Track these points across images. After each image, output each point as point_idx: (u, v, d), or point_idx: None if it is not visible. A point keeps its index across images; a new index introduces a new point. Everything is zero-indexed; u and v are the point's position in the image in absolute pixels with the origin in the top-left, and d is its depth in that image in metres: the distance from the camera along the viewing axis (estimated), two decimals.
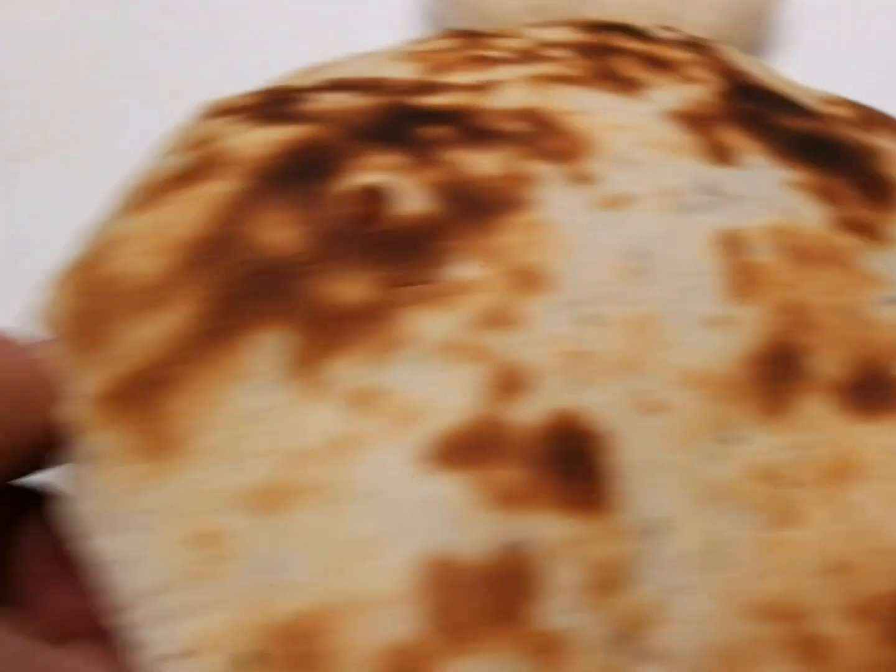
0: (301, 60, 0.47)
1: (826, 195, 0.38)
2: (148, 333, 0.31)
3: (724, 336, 0.34)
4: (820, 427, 0.33)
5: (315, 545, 0.28)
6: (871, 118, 0.48)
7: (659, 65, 0.41)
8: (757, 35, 0.67)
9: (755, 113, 0.40)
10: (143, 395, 0.30)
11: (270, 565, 0.28)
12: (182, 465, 0.30)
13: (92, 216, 0.40)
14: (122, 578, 0.29)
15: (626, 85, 0.39)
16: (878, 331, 0.35)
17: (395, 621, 0.27)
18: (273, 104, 0.37)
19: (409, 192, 0.33)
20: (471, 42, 0.42)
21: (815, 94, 0.49)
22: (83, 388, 0.31)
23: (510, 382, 0.31)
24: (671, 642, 0.29)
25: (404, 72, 0.40)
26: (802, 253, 0.36)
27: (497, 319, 0.32)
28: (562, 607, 0.28)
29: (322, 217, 0.32)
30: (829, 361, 0.34)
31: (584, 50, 0.41)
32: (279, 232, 0.32)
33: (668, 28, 0.46)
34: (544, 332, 0.32)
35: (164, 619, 0.29)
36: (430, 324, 0.31)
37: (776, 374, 0.34)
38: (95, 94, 0.64)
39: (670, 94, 0.39)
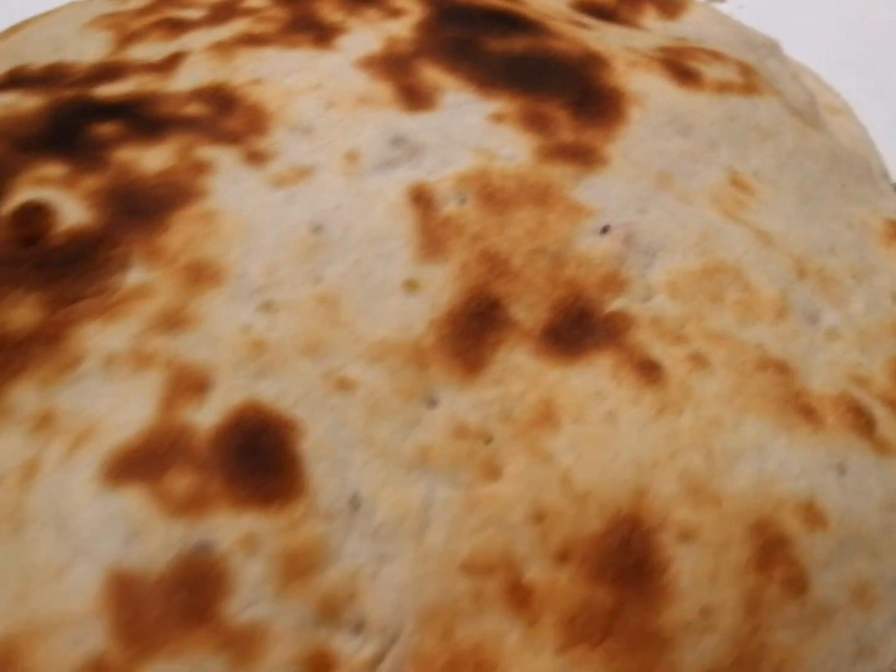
0: None
1: (533, 123, 0.42)
2: None
3: (417, 300, 0.38)
4: (520, 377, 0.38)
5: (4, 574, 0.34)
6: None
7: (362, 0, 0.45)
8: None
9: (460, 41, 0.43)
10: None
11: None
12: None
13: None
14: None
15: (319, 35, 0.43)
16: (586, 267, 0.40)
17: (86, 638, 0.33)
18: None
19: (72, 204, 0.37)
20: None
21: None
22: None
23: (188, 385, 0.35)
24: (375, 611, 0.35)
25: (91, 46, 0.44)
26: (497, 197, 0.40)
27: (170, 322, 0.36)
28: (252, 601, 0.34)
29: None
30: (528, 308, 0.39)
31: None
32: None
33: None
34: (219, 328, 0.36)
35: None
36: (102, 337, 0.36)
37: (473, 329, 0.38)
38: None
39: (366, 38, 0.43)
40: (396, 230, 0.39)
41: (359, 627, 0.34)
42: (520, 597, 0.35)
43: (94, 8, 0.46)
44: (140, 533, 0.33)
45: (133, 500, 0.34)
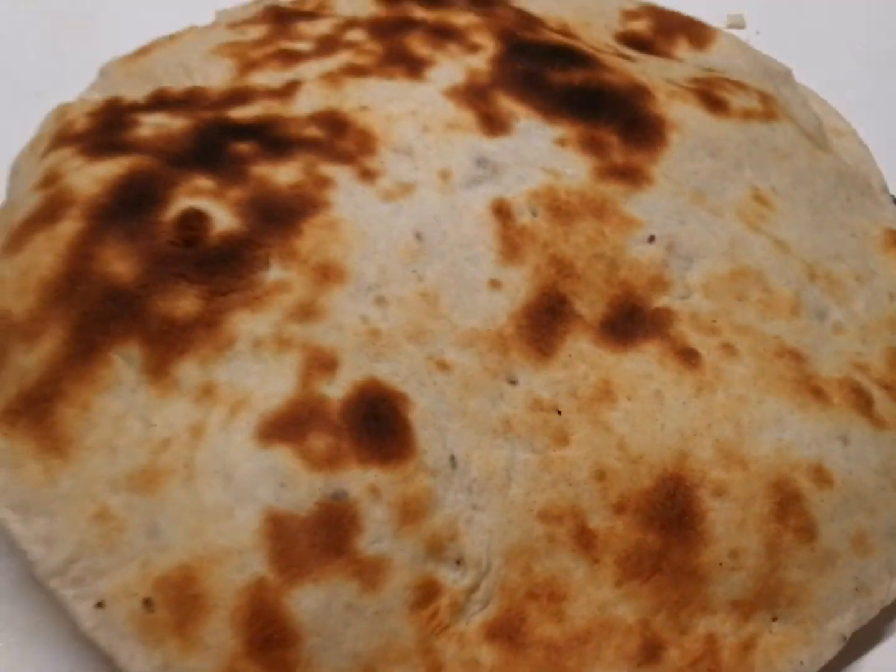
0: None
1: (590, 147, 0.53)
2: (30, 360, 0.46)
3: (499, 296, 0.49)
4: (584, 361, 0.49)
5: (181, 514, 0.44)
6: (670, 27, 0.62)
7: (445, 35, 0.55)
8: None
9: (528, 74, 0.54)
10: (36, 409, 0.45)
11: (150, 532, 0.44)
12: (75, 460, 0.45)
13: None
14: (41, 555, 0.45)
15: (412, 67, 0.53)
16: (636, 270, 0.51)
17: (248, 566, 0.43)
18: (105, 130, 0.51)
19: (221, 212, 0.48)
20: (281, 28, 0.56)
21: (620, 9, 0.63)
22: None
23: (320, 365, 0.46)
24: (470, 549, 0.45)
25: (218, 71, 0.54)
26: (563, 210, 0.51)
27: (304, 312, 0.47)
28: (377, 538, 0.44)
29: (150, 246, 0.47)
30: (589, 304, 0.49)
31: (378, 29, 0.55)
32: (117, 263, 0.47)
33: None
34: (343, 318, 0.47)
35: (77, 583, 0.45)
36: (250, 324, 0.46)
37: (545, 321, 0.49)
38: None
39: (451, 70, 0.53)
40: (482, 238, 0.49)
41: (458, 562, 0.44)
42: (585, 540, 0.45)
43: (215, 36, 0.56)
44: (289, 483, 0.43)
45: (282, 457, 0.44)
